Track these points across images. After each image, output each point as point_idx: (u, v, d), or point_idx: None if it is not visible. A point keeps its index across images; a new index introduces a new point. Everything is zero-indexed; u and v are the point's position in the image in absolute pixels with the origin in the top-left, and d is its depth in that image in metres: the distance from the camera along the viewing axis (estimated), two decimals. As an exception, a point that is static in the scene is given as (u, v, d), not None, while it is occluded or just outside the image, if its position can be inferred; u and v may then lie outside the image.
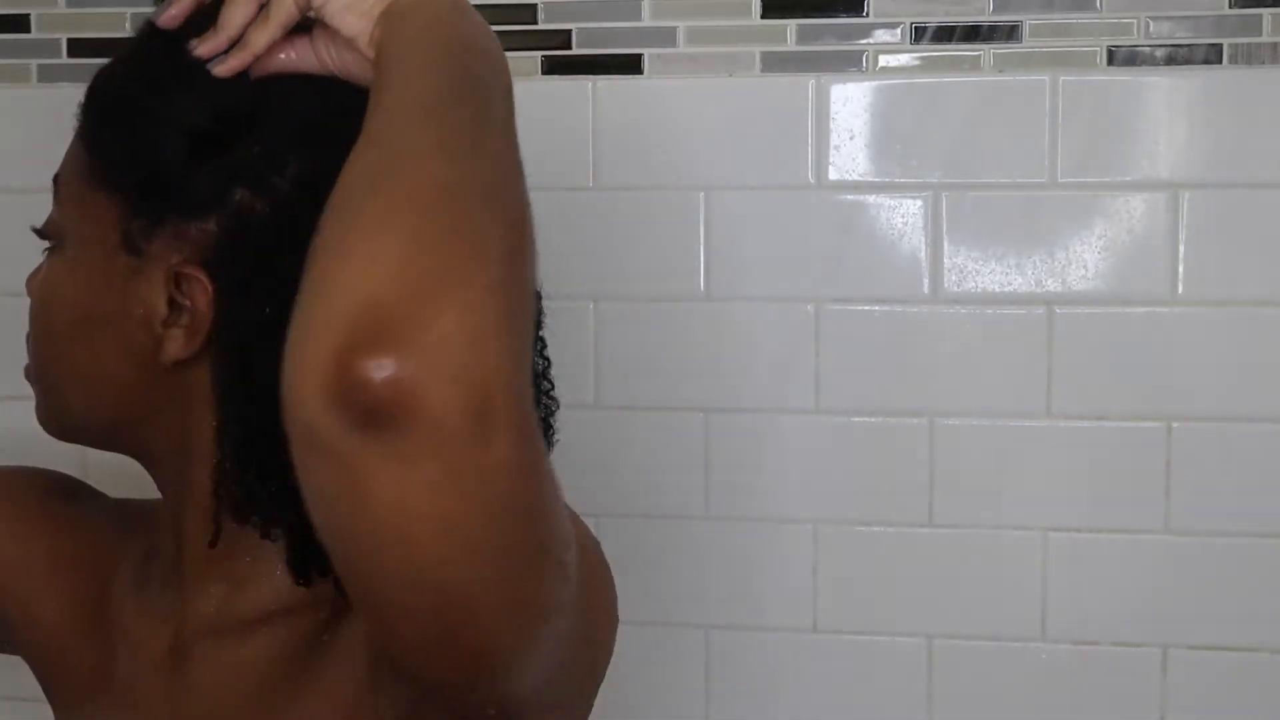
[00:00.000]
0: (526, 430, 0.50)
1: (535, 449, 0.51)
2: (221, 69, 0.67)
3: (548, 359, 0.74)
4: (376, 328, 0.46)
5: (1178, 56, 1.17)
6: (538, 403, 0.74)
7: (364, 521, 0.49)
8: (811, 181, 1.21)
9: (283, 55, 0.67)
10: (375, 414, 0.46)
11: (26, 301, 0.75)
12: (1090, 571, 1.21)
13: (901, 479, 1.22)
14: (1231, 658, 1.20)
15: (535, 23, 1.24)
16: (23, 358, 0.75)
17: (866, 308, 1.22)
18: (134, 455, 0.74)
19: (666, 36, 1.23)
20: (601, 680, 0.67)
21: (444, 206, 0.51)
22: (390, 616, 0.53)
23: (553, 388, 0.75)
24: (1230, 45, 1.16)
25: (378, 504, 0.48)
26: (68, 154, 0.72)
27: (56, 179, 0.72)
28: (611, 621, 0.67)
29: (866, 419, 1.23)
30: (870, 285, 1.21)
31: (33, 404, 0.75)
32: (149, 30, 0.71)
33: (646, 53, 1.23)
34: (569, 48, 1.24)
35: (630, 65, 1.23)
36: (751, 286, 1.23)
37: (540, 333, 0.73)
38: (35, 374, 0.74)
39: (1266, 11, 1.15)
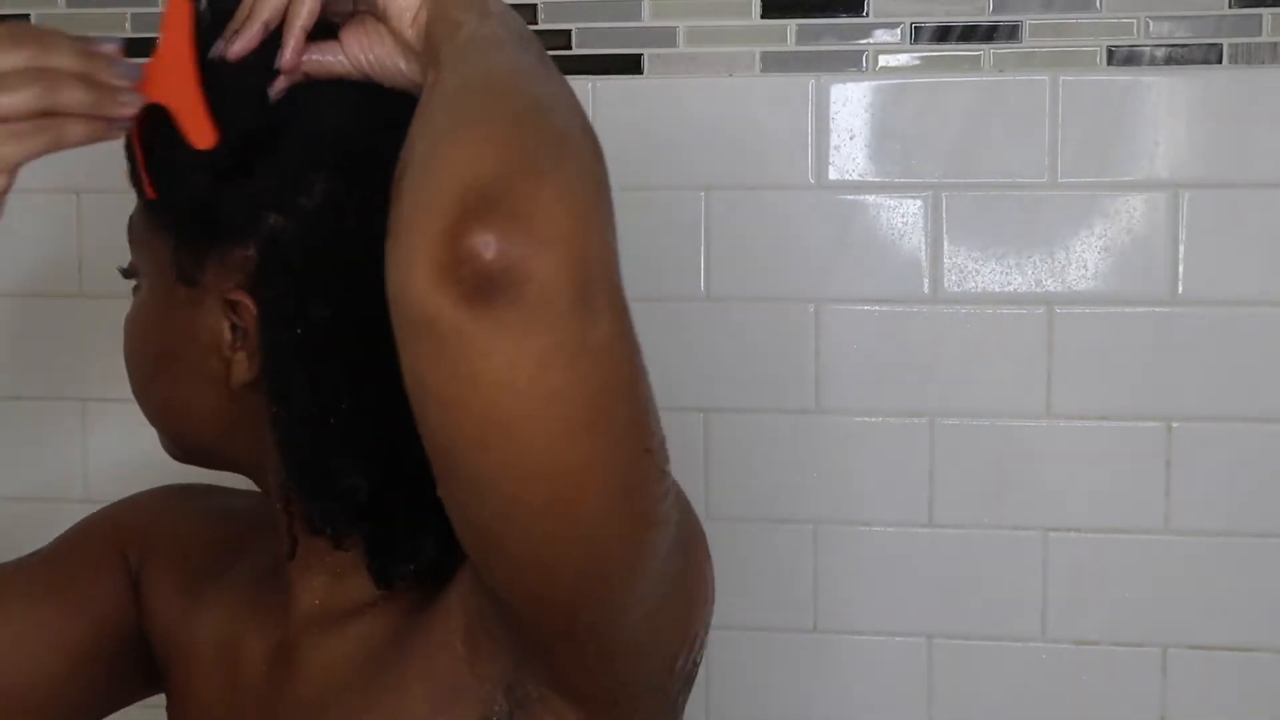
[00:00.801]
0: (624, 312, 0.52)
1: (633, 333, 0.53)
2: (284, 62, 0.66)
3: None
4: (484, 203, 0.48)
5: (1177, 56, 1.17)
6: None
7: (475, 404, 0.50)
8: (811, 181, 1.22)
9: (313, 57, 0.67)
10: (486, 286, 0.47)
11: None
12: (1090, 571, 1.21)
13: (901, 479, 1.22)
14: (1231, 658, 1.20)
15: (535, 23, 1.24)
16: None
17: (866, 308, 1.22)
18: (245, 473, 0.76)
19: (666, 36, 1.23)
20: (695, 657, 0.67)
21: (532, 105, 0.53)
22: (498, 532, 0.54)
23: None
24: (1230, 45, 1.16)
25: (488, 384, 0.49)
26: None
27: (130, 223, 0.75)
28: (705, 583, 0.69)
29: (866, 419, 1.23)
30: (870, 285, 1.21)
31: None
32: None
33: (646, 53, 1.23)
34: (569, 48, 1.24)
35: (630, 65, 1.23)
36: (751, 286, 1.23)
37: None
38: (140, 407, 0.76)
39: (1266, 11, 1.15)
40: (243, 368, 0.68)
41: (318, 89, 0.68)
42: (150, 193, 0.69)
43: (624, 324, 0.52)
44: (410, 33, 0.64)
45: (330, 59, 0.67)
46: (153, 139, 0.68)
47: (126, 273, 0.75)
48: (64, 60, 0.64)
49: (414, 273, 0.49)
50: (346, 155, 0.66)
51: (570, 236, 0.49)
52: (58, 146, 0.64)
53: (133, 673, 0.83)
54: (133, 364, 0.75)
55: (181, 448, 0.75)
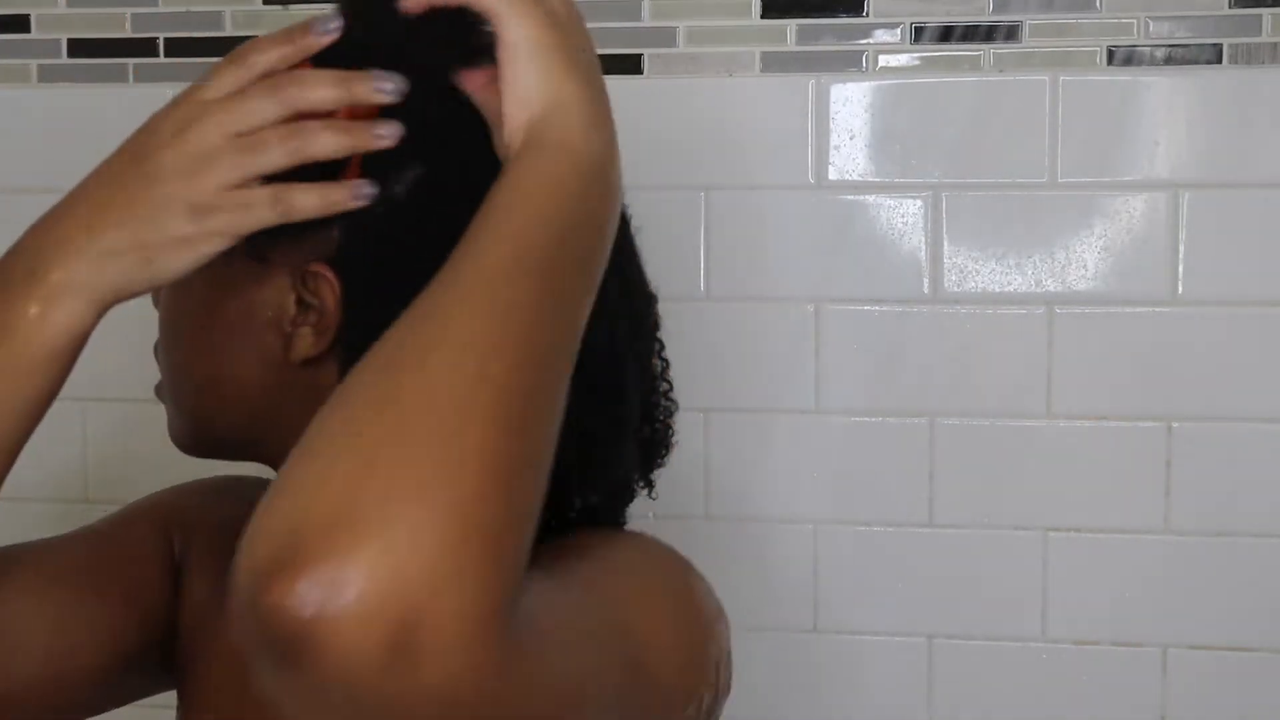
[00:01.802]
0: (482, 647, 0.47)
1: (496, 661, 0.47)
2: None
3: (666, 360, 0.77)
4: (296, 553, 0.45)
5: (1177, 56, 1.17)
6: (654, 406, 0.76)
7: None
8: (811, 181, 1.22)
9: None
10: (285, 643, 0.45)
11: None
12: (1090, 571, 1.21)
13: (901, 479, 1.22)
14: (1231, 658, 1.20)
15: (535, 23, 1.24)
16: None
17: (866, 308, 1.22)
18: (266, 461, 0.73)
19: (666, 36, 1.23)
20: None
21: (420, 414, 0.48)
22: None
23: (670, 388, 0.77)
24: (1230, 45, 1.16)
25: None
26: None
27: None
28: None
29: (866, 419, 1.23)
30: (870, 285, 1.21)
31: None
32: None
33: (646, 53, 1.23)
34: (569, 48, 1.23)
35: (630, 65, 1.23)
36: (751, 286, 1.23)
37: (658, 334, 0.77)
38: (168, 387, 0.74)
39: (1266, 11, 1.15)
40: (307, 342, 0.66)
41: (421, 79, 0.66)
42: None
43: (475, 661, 0.46)
44: (503, 146, 0.63)
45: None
46: None
47: None
48: (322, 94, 0.63)
49: (234, 599, 0.46)
50: (446, 143, 0.65)
51: (389, 594, 0.44)
52: (286, 219, 0.63)
53: (157, 668, 0.80)
54: (171, 338, 0.73)
55: (207, 433, 0.73)
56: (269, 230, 0.65)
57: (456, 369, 0.50)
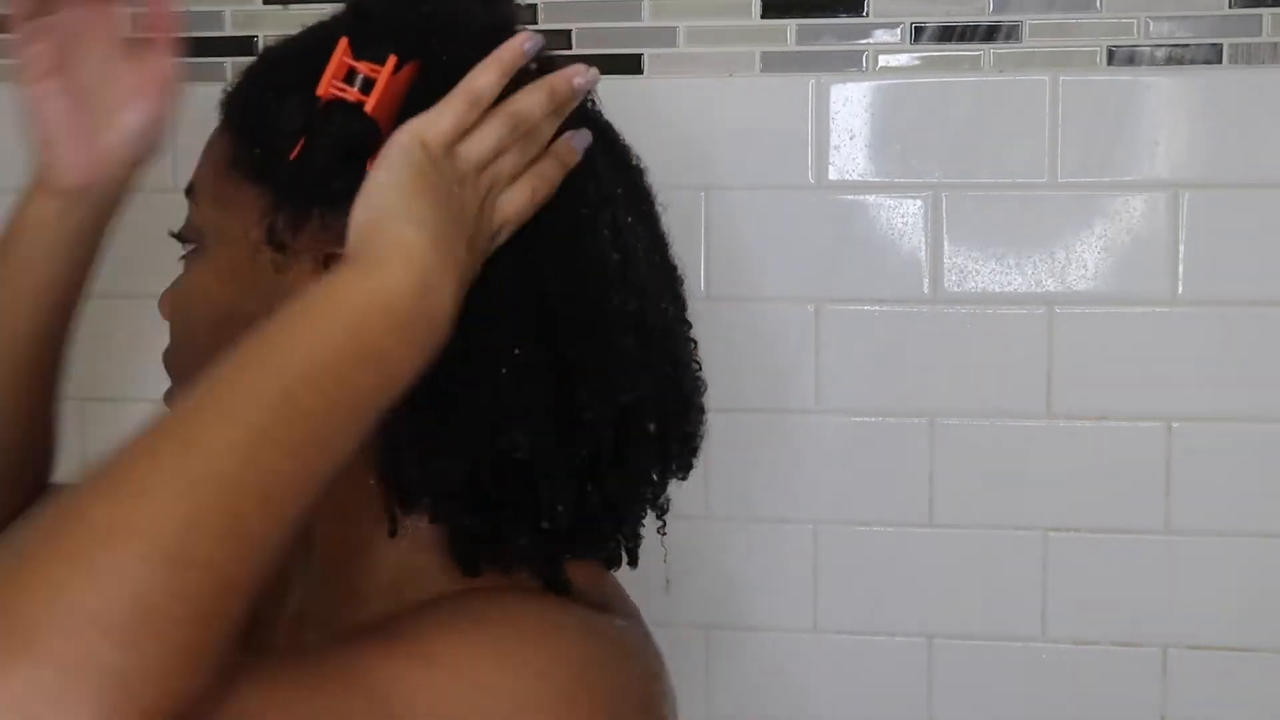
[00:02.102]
0: None
1: None
2: None
3: (699, 361, 0.78)
4: None
5: (1178, 56, 1.17)
6: (686, 411, 0.76)
7: None
8: (811, 181, 1.21)
9: None
10: None
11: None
12: (1090, 571, 1.21)
13: (901, 479, 1.22)
14: (1231, 658, 1.20)
15: (535, 23, 1.24)
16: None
17: (866, 308, 1.22)
18: None
19: (666, 36, 1.23)
20: None
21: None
22: None
23: (704, 389, 0.77)
24: (1230, 45, 1.16)
25: None
26: (204, 155, 0.72)
27: (191, 186, 0.72)
28: None
29: (866, 419, 1.23)
30: (870, 285, 1.21)
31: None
32: (327, 25, 0.70)
33: (646, 53, 1.23)
34: (569, 48, 1.24)
35: (630, 65, 1.23)
36: (751, 286, 1.23)
37: (690, 332, 0.78)
38: (175, 361, 0.73)
39: (1266, 11, 1.15)
40: None
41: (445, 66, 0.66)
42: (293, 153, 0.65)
43: None
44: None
45: None
46: (301, 85, 0.66)
47: (182, 235, 0.72)
48: (534, 108, 0.66)
49: None
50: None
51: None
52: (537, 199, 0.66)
53: None
54: (185, 333, 0.72)
55: None
56: (293, 217, 0.65)
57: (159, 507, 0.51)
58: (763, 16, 1.22)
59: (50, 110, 0.74)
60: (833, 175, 1.21)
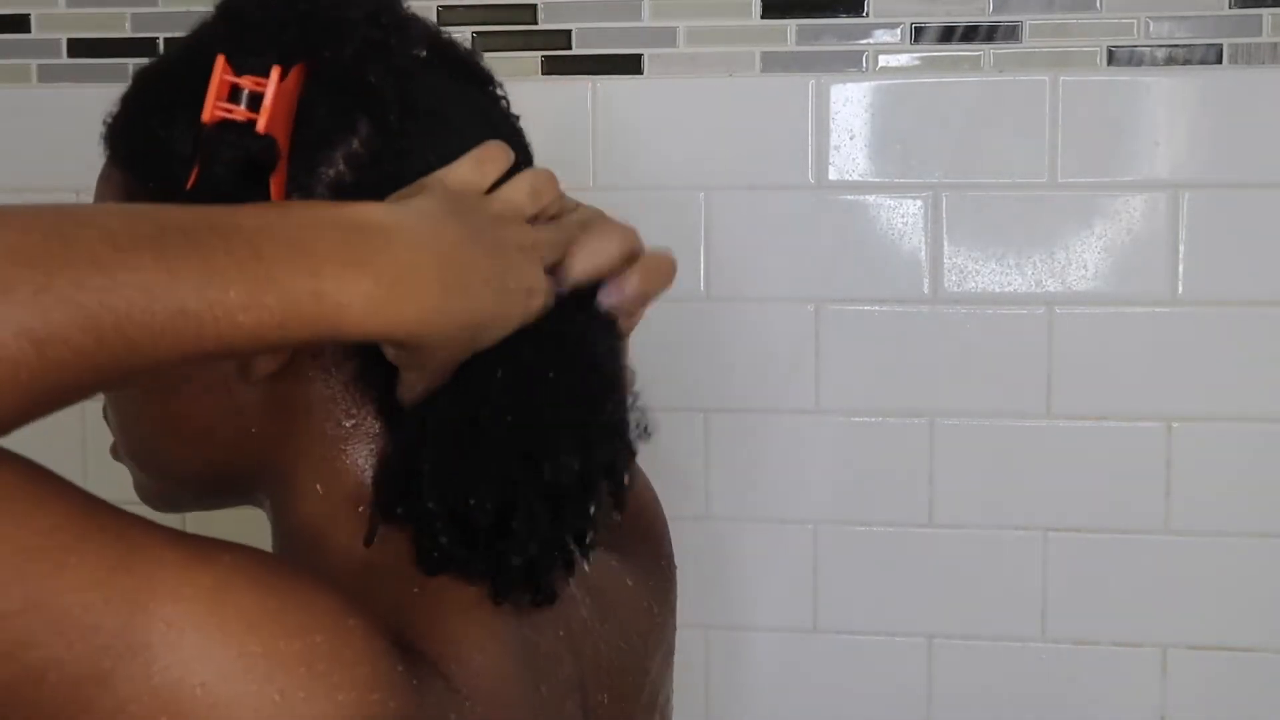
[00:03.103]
0: None
1: None
2: None
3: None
4: None
5: (1178, 56, 1.17)
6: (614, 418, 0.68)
7: None
8: (811, 181, 1.22)
9: None
10: None
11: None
12: (1090, 571, 1.21)
13: (901, 479, 1.22)
14: (1231, 658, 1.20)
15: (535, 23, 1.24)
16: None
17: (866, 308, 1.22)
18: (248, 501, 0.68)
19: (666, 36, 1.23)
20: None
21: None
22: None
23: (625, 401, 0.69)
24: (1230, 45, 1.16)
25: None
26: (101, 188, 0.67)
27: None
28: None
29: (866, 419, 1.23)
30: (870, 285, 1.21)
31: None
32: (198, 35, 0.65)
33: (646, 53, 1.23)
34: (569, 48, 1.24)
35: (630, 65, 1.23)
36: (751, 286, 1.23)
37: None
38: (122, 444, 0.68)
39: (1266, 11, 1.15)
40: (266, 359, 0.60)
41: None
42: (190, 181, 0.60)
43: None
44: None
45: None
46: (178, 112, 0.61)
47: None
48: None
49: None
50: (386, 112, 0.61)
51: None
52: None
53: None
54: (119, 403, 0.66)
55: (177, 485, 0.67)
56: None
57: None
58: (763, 16, 1.22)
59: None
60: (833, 175, 1.21)
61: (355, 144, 0.61)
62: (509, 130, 0.67)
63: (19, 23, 1.30)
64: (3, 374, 0.44)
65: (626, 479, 0.66)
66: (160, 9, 1.28)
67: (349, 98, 0.61)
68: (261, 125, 0.58)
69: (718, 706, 1.27)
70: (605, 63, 1.23)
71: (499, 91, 0.68)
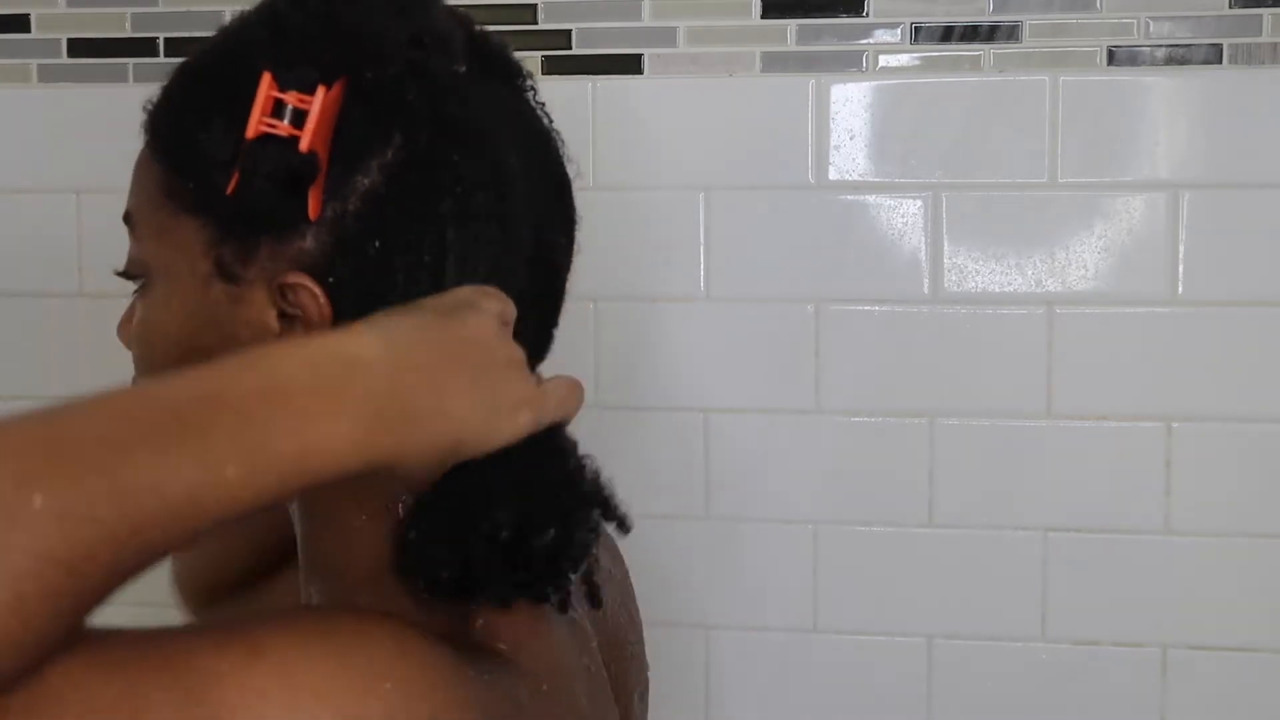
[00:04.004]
0: None
1: None
2: None
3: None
4: None
5: (1178, 56, 1.17)
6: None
7: None
8: (811, 181, 1.22)
9: None
10: None
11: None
12: (1090, 571, 1.21)
13: (901, 479, 1.22)
14: (1231, 658, 1.20)
15: (535, 23, 1.24)
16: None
17: (866, 308, 1.22)
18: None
19: (666, 36, 1.23)
20: None
21: None
22: None
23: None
24: (1230, 45, 1.16)
25: None
26: (136, 183, 0.68)
27: (128, 215, 0.68)
28: None
29: (866, 419, 1.23)
30: (870, 285, 1.21)
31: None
32: (242, 34, 0.67)
33: (646, 53, 1.23)
34: (569, 48, 1.24)
35: (630, 65, 1.23)
36: (751, 286, 1.23)
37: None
38: None
39: (1266, 11, 1.15)
40: None
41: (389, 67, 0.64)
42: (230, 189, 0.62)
43: None
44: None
45: None
46: (221, 111, 0.63)
47: (129, 273, 0.69)
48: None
49: None
50: (416, 137, 0.63)
51: None
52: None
53: None
54: (154, 369, 0.68)
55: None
56: (240, 248, 0.63)
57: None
58: (763, 16, 1.22)
59: None
60: (833, 175, 1.21)
61: (390, 155, 0.63)
62: (538, 129, 0.71)
63: (19, 23, 1.30)
64: (45, 606, 0.47)
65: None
66: (160, 9, 1.28)
67: (387, 114, 0.63)
68: (305, 144, 0.60)
69: (718, 706, 1.27)
70: (605, 62, 1.23)
71: (529, 83, 0.72)
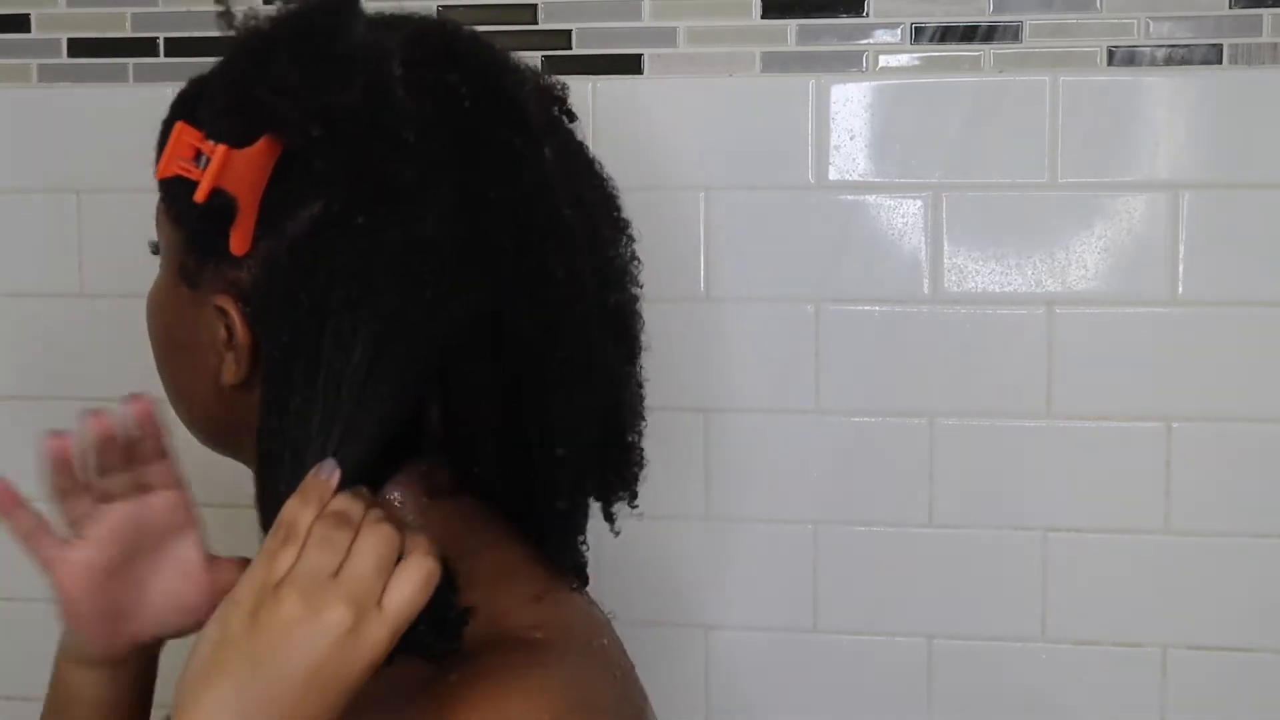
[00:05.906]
0: None
1: None
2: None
3: (643, 396, 0.78)
4: None
5: (1178, 56, 1.17)
6: (626, 453, 0.77)
7: None
8: (811, 181, 1.22)
9: None
10: None
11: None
12: (1090, 571, 1.21)
13: (901, 479, 1.22)
14: (1231, 658, 1.20)
15: (535, 23, 1.24)
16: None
17: (866, 308, 1.22)
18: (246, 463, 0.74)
19: (666, 36, 1.23)
20: None
21: None
22: None
23: (643, 429, 0.77)
24: (1230, 45, 1.16)
25: None
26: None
27: (159, 205, 0.75)
28: None
29: (866, 419, 1.23)
30: (870, 285, 1.21)
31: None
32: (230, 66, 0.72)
33: (646, 53, 1.23)
34: (569, 48, 1.24)
35: (630, 65, 1.23)
36: (751, 286, 1.23)
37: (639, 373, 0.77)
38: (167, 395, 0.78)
39: (1266, 11, 1.15)
40: (231, 369, 0.69)
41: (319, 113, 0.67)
42: (201, 195, 0.67)
43: None
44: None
45: None
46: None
47: (155, 247, 0.76)
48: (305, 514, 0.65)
49: None
50: (340, 182, 0.66)
51: None
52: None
53: None
54: (151, 340, 0.76)
55: (200, 435, 0.76)
56: (198, 256, 0.69)
57: None
58: (763, 16, 1.22)
59: (79, 584, 0.76)
60: (833, 175, 1.21)
61: (317, 209, 0.66)
62: (499, 198, 0.69)
63: (19, 23, 1.30)
64: None
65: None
66: (160, 9, 1.28)
67: (312, 174, 0.66)
68: (201, 192, 0.66)
69: (718, 706, 1.27)
70: (605, 62, 1.23)
71: (516, 136, 0.72)
